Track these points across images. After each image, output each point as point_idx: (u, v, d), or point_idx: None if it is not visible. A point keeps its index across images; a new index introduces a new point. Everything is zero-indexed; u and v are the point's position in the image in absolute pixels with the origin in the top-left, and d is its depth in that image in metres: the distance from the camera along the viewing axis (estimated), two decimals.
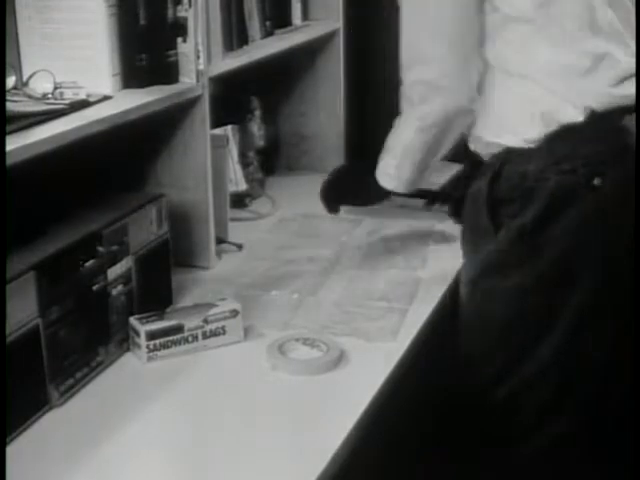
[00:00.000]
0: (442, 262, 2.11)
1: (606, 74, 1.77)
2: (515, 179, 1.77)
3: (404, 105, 1.87)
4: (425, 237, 2.25)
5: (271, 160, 2.79)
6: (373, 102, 2.35)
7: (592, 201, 1.74)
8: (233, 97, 2.53)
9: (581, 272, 1.76)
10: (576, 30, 1.76)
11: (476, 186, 1.85)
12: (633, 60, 1.80)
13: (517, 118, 1.79)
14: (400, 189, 1.95)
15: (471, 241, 1.90)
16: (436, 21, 1.77)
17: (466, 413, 1.90)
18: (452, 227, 2.18)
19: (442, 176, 2.37)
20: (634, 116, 1.79)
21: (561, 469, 1.87)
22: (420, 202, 2.37)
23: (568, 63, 1.76)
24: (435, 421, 1.97)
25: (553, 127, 1.75)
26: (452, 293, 1.97)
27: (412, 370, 1.76)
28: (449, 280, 2.00)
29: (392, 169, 1.93)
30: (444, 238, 2.24)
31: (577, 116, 1.75)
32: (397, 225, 2.34)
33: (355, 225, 2.36)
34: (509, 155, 1.79)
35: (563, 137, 1.75)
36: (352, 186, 2.14)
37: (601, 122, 1.75)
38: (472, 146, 1.90)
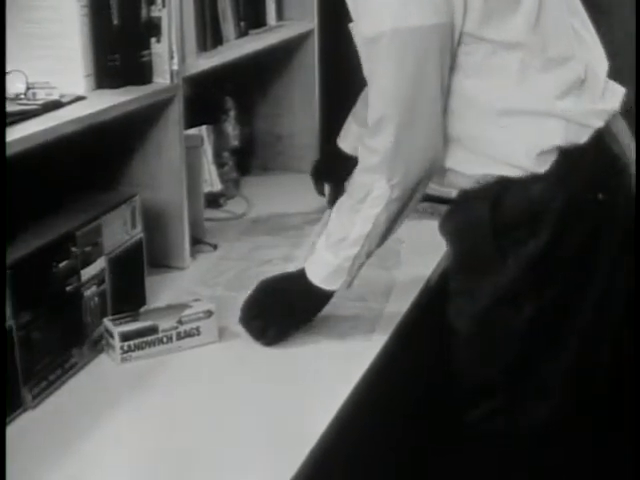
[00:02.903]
0: (417, 262, 2.11)
1: (594, 88, 1.76)
2: (521, 204, 1.72)
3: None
4: (400, 237, 2.24)
5: (246, 160, 2.78)
6: (348, 102, 2.35)
7: (599, 216, 1.74)
8: (208, 97, 2.53)
9: (590, 287, 1.77)
10: (565, 48, 1.73)
11: (474, 212, 1.78)
12: (605, 69, 1.81)
13: (514, 152, 1.71)
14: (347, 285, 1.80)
15: (471, 274, 1.82)
16: (425, 84, 1.66)
17: (441, 416, 1.91)
18: (427, 227, 2.18)
19: None
20: (620, 123, 1.80)
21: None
22: None
23: (564, 84, 1.71)
24: (409, 420, 1.98)
25: (554, 155, 1.70)
26: (428, 293, 1.97)
27: (387, 369, 1.77)
28: (424, 280, 2.01)
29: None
30: (419, 238, 2.24)
31: (578, 137, 1.71)
32: None
33: None
34: (509, 182, 1.73)
35: (566, 161, 1.71)
36: (337, 167, 2.13)
37: (600, 138, 1.73)
38: (445, 181, 1.82)
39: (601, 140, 1.73)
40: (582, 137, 1.72)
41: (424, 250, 2.10)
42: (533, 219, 1.72)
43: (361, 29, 1.69)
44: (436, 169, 1.74)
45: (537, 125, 1.70)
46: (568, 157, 1.71)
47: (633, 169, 1.80)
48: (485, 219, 1.75)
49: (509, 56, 1.68)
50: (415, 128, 1.67)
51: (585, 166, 1.72)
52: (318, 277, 1.77)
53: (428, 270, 2.03)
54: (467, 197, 1.80)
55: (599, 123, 1.73)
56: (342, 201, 1.78)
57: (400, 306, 1.92)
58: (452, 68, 1.67)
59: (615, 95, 1.80)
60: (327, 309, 1.82)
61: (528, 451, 1.85)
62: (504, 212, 1.74)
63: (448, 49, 1.65)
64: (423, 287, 1.99)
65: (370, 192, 1.70)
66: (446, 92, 1.68)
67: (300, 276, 1.79)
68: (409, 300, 1.94)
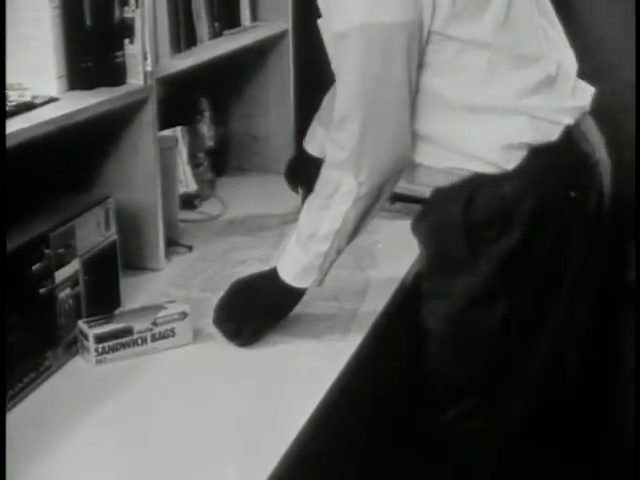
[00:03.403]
0: (392, 262, 2.12)
1: (564, 87, 1.77)
2: (493, 203, 1.73)
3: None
4: (375, 236, 2.25)
5: (222, 161, 2.78)
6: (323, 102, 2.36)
7: (571, 214, 1.75)
8: (182, 98, 2.53)
9: (562, 284, 1.78)
10: (535, 47, 1.74)
11: (446, 212, 1.78)
12: (575, 68, 1.81)
13: (486, 147, 1.72)
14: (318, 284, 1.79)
15: (443, 274, 1.83)
16: (393, 79, 1.66)
17: (417, 417, 1.91)
18: (402, 227, 2.18)
19: None
20: (590, 122, 1.81)
21: None
22: None
23: (533, 83, 1.72)
24: (384, 420, 1.98)
25: (525, 151, 1.71)
26: (402, 293, 1.97)
27: (363, 369, 1.77)
28: (399, 280, 2.01)
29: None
30: (394, 238, 2.24)
31: (549, 135, 1.72)
32: None
33: None
34: (481, 180, 1.74)
35: (537, 158, 1.72)
36: (307, 168, 2.14)
37: (570, 136, 1.74)
38: (416, 177, 1.82)
39: (571, 138, 1.75)
40: (552, 134, 1.73)
41: (399, 250, 2.11)
42: (505, 218, 1.73)
43: (331, 24, 1.70)
44: (404, 166, 1.74)
45: (506, 122, 1.71)
46: (538, 154, 1.72)
47: (602, 168, 1.81)
48: (457, 219, 1.76)
49: (478, 55, 1.69)
50: (380, 125, 1.68)
51: (556, 164, 1.73)
52: (289, 275, 1.77)
53: (403, 270, 2.04)
54: (439, 197, 1.81)
55: (569, 120, 1.74)
56: (311, 199, 1.78)
57: (375, 306, 1.92)
58: (421, 66, 1.68)
59: (585, 94, 1.81)
60: (302, 309, 1.83)
61: (501, 450, 1.86)
62: (476, 212, 1.74)
63: (416, 47, 1.65)
64: (398, 287, 2.00)
65: (339, 188, 1.70)
66: (414, 90, 1.68)
67: (272, 275, 1.79)
68: (384, 300, 1.94)
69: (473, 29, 1.67)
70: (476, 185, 1.74)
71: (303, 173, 2.25)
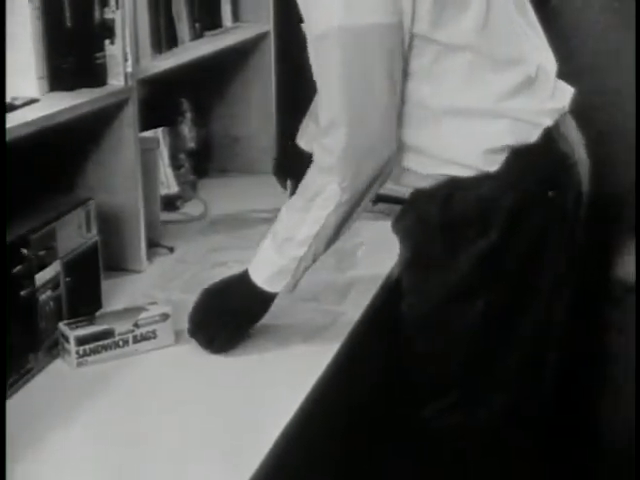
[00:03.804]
0: (374, 263, 2.11)
1: (543, 88, 1.77)
2: (471, 202, 1.74)
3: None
4: (356, 238, 2.25)
5: (203, 162, 2.78)
6: (305, 103, 2.35)
7: (549, 213, 1.76)
8: (164, 99, 2.52)
9: (541, 282, 1.79)
10: (514, 49, 1.74)
11: (424, 211, 1.79)
12: (554, 69, 1.82)
13: (465, 153, 1.73)
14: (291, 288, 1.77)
15: (421, 270, 1.84)
16: (376, 83, 1.65)
17: (398, 415, 1.92)
18: (384, 228, 2.18)
19: None
20: (569, 122, 1.82)
21: None
22: None
23: (513, 85, 1.72)
24: (363, 417, 1.98)
25: (505, 153, 1.72)
26: (383, 294, 1.97)
27: (342, 372, 1.76)
28: (380, 281, 2.01)
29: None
30: (376, 238, 2.24)
31: (529, 137, 1.73)
32: None
33: None
34: (460, 181, 1.74)
35: (516, 160, 1.72)
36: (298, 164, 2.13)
37: (549, 137, 1.75)
38: (402, 180, 1.83)
39: (550, 139, 1.75)
40: (532, 136, 1.73)
41: (381, 251, 2.11)
42: (482, 218, 1.73)
43: (309, 27, 1.69)
44: (388, 173, 1.73)
45: (487, 125, 1.71)
46: (518, 156, 1.72)
47: (582, 168, 1.82)
48: (435, 218, 1.76)
49: (458, 58, 1.68)
50: (366, 130, 1.67)
51: (535, 165, 1.74)
52: (261, 278, 1.75)
53: (385, 271, 2.03)
54: (418, 197, 1.81)
55: (548, 122, 1.74)
56: (292, 201, 1.77)
57: (356, 307, 1.92)
58: (405, 73, 1.67)
59: (564, 94, 1.82)
60: (282, 311, 1.82)
61: (482, 447, 1.87)
62: (454, 211, 1.75)
63: (398, 50, 1.64)
64: (379, 288, 2.00)
65: (320, 192, 1.69)
66: (400, 94, 1.67)
67: (242, 278, 1.77)
68: (365, 301, 1.94)
69: (453, 32, 1.66)
70: (455, 186, 1.75)
71: (292, 169, 2.24)
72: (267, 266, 1.75)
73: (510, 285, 1.77)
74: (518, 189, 1.72)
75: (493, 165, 1.72)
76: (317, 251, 1.73)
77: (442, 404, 1.85)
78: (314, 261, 1.74)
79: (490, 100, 1.71)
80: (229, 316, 1.77)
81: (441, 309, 1.80)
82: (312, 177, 1.73)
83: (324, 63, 1.67)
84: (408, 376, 1.89)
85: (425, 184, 1.78)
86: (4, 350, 1.44)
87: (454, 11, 1.66)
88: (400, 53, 1.65)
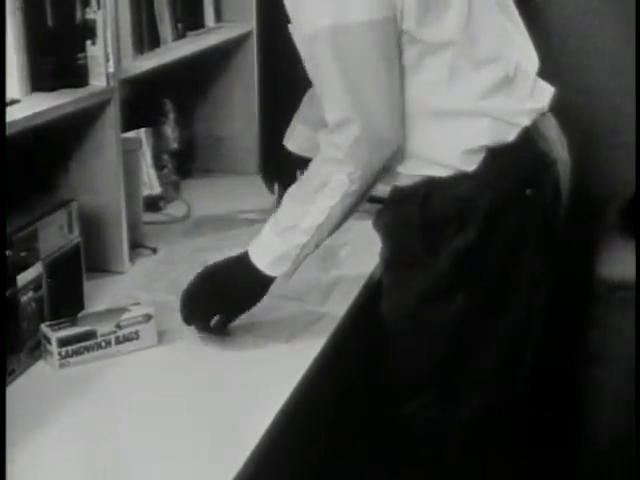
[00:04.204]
0: (357, 263, 2.12)
1: (522, 87, 1.78)
2: (449, 201, 1.74)
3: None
4: (340, 237, 2.25)
5: (187, 163, 2.77)
6: (288, 103, 2.35)
7: (527, 212, 1.76)
8: (146, 100, 2.52)
9: (520, 282, 1.79)
10: (494, 47, 1.74)
11: (404, 209, 1.80)
12: (535, 66, 1.82)
13: (444, 153, 1.74)
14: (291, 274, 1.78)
15: (401, 269, 1.85)
16: (377, 80, 1.66)
17: (378, 416, 1.92)
18: (368, 227, 2.19)
19: None
20: (549, 121, 1.82)
21: None
22: None
23: (491, 83, 1.72)
24: (346, 416, 1.98)
25: (482, 153, 1.72)
26: (366, 294, 1.97)
27: (326, 371, 1.77)
28: (363, 281, 2.01)
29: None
30: (360, 238, 2.24)
31: (506, 136, 1.73)
32: None
33: None
34: (439, 180, 1.75)
35: (494, 159, 1.73)
36: (285, 166, 2.15)
37: (527, 136, 1.75)
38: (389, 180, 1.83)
39: (528, 138, 1.76)
40: (509, 135, 1.74)
41: (365, 251, 2.10)
42: (460, 217, 1.74)
43: (299, 27, 1.69)
44: (395, 162, 1.74)
45: (466, 125, 1.72)
46: (496, 155, 1.73)
47: (561, 167, 1.83)
48: (414, 216, 1.77)
49: (439, 56, 1.69)
50: (376, 123, 1.67)
51: (513, 164, 1.75)
52: (263, 262, 1.75)
53: (368, 270, 2.03)
54: (397, 195, 1.82)
55: (526, 122, 1.75)
56: (294, 190, 1.77)
57: (340, 306, 1.92)
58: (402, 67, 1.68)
59: (544, 94, 1.82)
60: (266, 310, 1.83)
61: (462, 445, 1.87)
62: (433, 209, 1.76)
63: (394, 44, 1.64)
64: (363, 287, 2.00)
65: (327, 183, 1.70)
66: (401, 86, 1.68)
67: (242, 261, 1.77)
68: (349, 300, 1.94)
69: (436, 30, 1.67)
70: (434, 185, 1.75)
71: (280, 172, 2.24)
72: (269, 251, 1.75)
73: (489, 284, 1.78)
74: (496, 189, 1.73)
75: (471, 165, 1.72)
76: (319, 240, 1.74)
77: (419, 402, 1.85)
78: (315, 249, 1.75)
79: (469, 100, 1.72)
80: (231, 297, 1.78)
81: (420, 307, 1.81)
82: (318, 167, 1.74)
83: (322, 63, 1.67)
84: (389, 375, 1.89)
85: (405, 183, 1.79)
86: (4, 348, 1.43)
87: (438, 9, 1.66)
88: (396, 45, 1.65)
